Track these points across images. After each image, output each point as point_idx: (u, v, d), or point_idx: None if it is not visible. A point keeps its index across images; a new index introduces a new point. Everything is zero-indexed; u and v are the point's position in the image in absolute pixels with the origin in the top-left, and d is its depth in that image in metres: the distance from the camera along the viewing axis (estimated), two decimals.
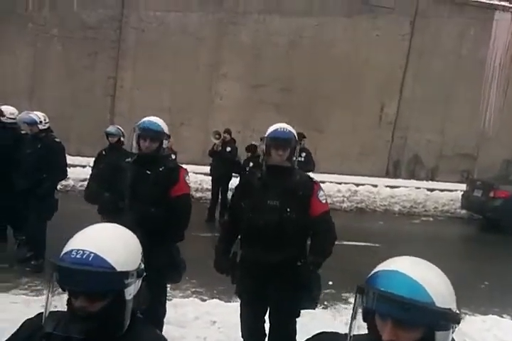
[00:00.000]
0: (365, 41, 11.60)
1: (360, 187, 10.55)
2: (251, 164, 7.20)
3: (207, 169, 8.64)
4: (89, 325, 1.13)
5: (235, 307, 3.76)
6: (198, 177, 9.84)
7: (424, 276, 1.04)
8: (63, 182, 9.03)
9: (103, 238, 1.18)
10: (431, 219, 9.86)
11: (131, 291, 1.17)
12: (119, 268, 1.13)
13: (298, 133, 8.89)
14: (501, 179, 9.88)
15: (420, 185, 11.33)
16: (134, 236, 1.27)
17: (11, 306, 3.54)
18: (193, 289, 4.51)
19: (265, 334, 2.78)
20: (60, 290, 1.17)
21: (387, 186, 10.77)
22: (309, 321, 3.31)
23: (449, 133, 12.19)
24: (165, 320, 2.99)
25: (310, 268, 2.58)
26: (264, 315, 2.74)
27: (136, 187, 2.76)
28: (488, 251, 7.38)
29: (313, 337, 1.26)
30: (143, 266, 1.23)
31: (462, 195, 10.00)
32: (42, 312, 1.22)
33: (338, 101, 11.60)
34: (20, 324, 1.29)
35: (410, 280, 1.03)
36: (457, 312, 1.03)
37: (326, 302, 4.47)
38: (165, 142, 2.89)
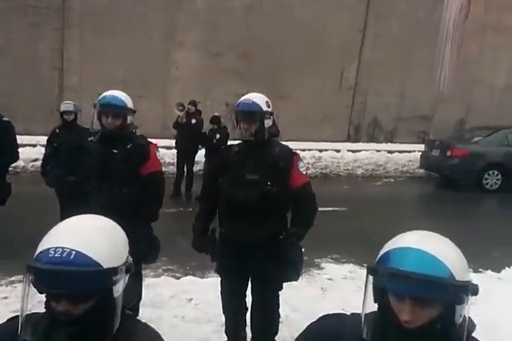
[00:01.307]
0: (323, 5, 11.36)
1: (324, 152, 10.65)
2: (218, 136, 7.06)
3: (168, 142, 8.42)
4: (75, 330, 1.01)
5: (210, 282, 3.76)
6: (160, 151, 9.60)
7: (439, 249, 0.99)
8: (13, 164, 8.56)
9: (83, 232, 1.04)
10: (392, 180, 10.16)
11: (119, 288, 1.05)
12: (105, 265, 1.01)
13: None
14: (457, 138, 10.25)
15: (380, 147, 11.58)
16: (117, 226, 1.13)
17: None
18: (165, 267, 4.43)
19: (247, 309, 2.77)
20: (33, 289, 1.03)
21: (349, 151, 10.93)
22: (285, 289, 3.34)
23: (406, 95, 12.37)
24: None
25: (293, 240, 2.55)
26: (246, 291, 2.72)
27: (103, 168, 2.63)
28: (447, 208, 7.71)
29: (318, 320, 1.19)
30: (131, 258, 1.11)
31: (421, 156, 10.31)
32: (15, 317, 1.08)
33: (298, 66, 11.44)
34: None
35: (426, 255, 0.98)
36: (475, 283, 0.99)
37: None
38: (129, 118, 2.72)
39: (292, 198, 2.53)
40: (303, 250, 2.73)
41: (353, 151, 10.95)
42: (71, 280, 0.97)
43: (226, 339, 2.86)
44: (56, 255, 0.97)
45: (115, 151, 2.65)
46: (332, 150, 10.81)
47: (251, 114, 2.51)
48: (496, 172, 8.98)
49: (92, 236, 1.04)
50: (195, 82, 10.96)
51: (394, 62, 11.83)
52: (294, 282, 2.72)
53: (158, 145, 2.92)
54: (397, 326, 0.99)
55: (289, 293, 3.57)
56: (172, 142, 8.29)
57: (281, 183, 2.47)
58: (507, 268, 4.58)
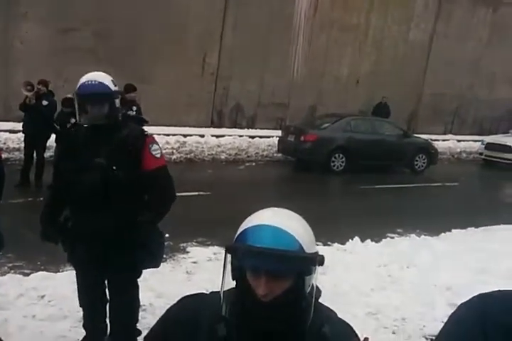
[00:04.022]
0: None
1: (188, 138, 10.65)
2: (72, 120, 6.49)
3: (12, 125, 7.52)
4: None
5: (64, 277, 3.53)
6: (2, 136, 8.55)
7: (289, 225, 1.04)
8: None
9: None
10: (253, 164, 10.67)
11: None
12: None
13: (128, 85, 8.29)
14: (309, 124, 11.17)
15: (242, 133, 12.01)
16: None
17: None
18: (11, 264, 4.04)
19: (107, 300, 2.65)
20: None
21: (213, 136, 11.11)
22: (149, 276, 3.30)
23: (266, 82, 12.97)
24: None
25: (145, 225, 2.45)
26: (103, 281, 2.60)
27: None
28: (301, 188, 8.43)
29: (177, 302, 1.18)
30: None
31: (278, 141, 10.98)
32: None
33: (161, 50, 11.08)
34: None
35: (278, 230, 1.02)
36: (321, 254, 1.08)
37: (164, 255, 4.52)
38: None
39: (145, 182, 2.44)
40: (166, 235, 2.70)
41: (217, 136, 11.17)
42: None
43: (85, 333, 2.72)
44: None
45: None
46: (196, 135, 10.87)
47: (100, 96, 2.35)
48: (341, 156, 9.99)
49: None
50: (43, 60, 9.85)
51: (254, 49, 12.22)
52: (157, 268, 2.70)
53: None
54: (254, 300, 1.03)
55: (153, 280, 3.55)
56: (17, 125, 7.42)
57: (131, 167, 2.37)
58: (350, 240, 5.13)
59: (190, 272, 4.18)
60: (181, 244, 4.90)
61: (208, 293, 1.18)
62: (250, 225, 1.05)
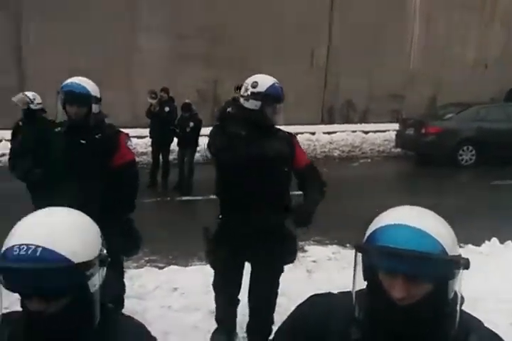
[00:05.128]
0: None
1: (299, 136, 10.52)
2: (191, 124, 6.89)
3: (139, 131, 8.20)
4: (53, 328, 0.96)
5: (194, 270, 3.74)
6: (132, 141, 9.36)
7: (429, 224, 0.97)
8: None
9: (49, 226, 0.96)
10: (369, 160, 10.23)
11: (95, 282, 0.98)
12: (76, 260, 0.94)
13: (238, 86, 8.45)
14: (431, 115, 10.36)
15: (355, 128, 11.62)
16: (87, 218, 1.04)
17: None
18: (147, 258, 4.33)
19: (239, 301, 2.72)
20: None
21: (324, 133, 10.92)
22: None
23: (378, 75, 12.40)
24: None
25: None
26: (241, 282, 2.65)
27: (71, 160, 2.49)
28: (426, 184, 7.82)
29: (307, 301, 1.16)
30: (105, 250, 1.02)
31: (396, 135, 10.39)
32: (335, 293, 1.12)
33: (268, 49, 11.26)
34: None
35: (416, 230, 0.95)
36: (465, 257, 0.97)
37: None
38: (95, 106, 2.57)
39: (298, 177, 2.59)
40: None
41: (328, 133, 10.95)
42: (40, 278, 0.90)
43: (216, 326, 2.79)
44: (21, 252, 0.91)
45: (83, 142, 2.53)
46: (307, 132, 10.78)
47: None
48: (470, 148, 9.13)
49: (60, 229, 0.96)
50: (162, 68, 10.65)
51: (363, 42, 11.81)
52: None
53: (129, 134, 2.78)
54: (389, 303, 0.97)
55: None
56: (144, 131, 8.08)
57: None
58: (486, 241, 4.65)
59: (311, 271, 4.16)
60: (300, 243, 4.85)
61: (336, 293, 1.15)
62: (384, 224, 0.99)
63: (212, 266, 2.67)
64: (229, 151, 2.39)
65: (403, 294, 0.95)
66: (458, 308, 0.99)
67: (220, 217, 2.56)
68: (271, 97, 2.45)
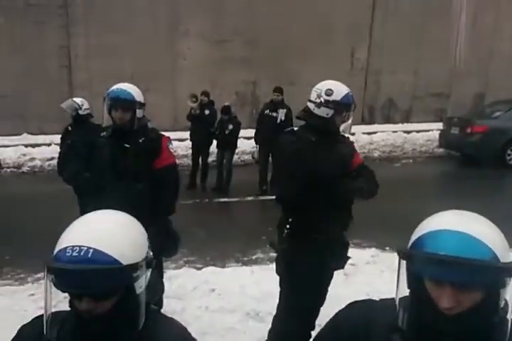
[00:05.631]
0: None
1: None
2: (230, 126, 6.96)
3: (180, 135, 8.37)
4: (99, 328, 1.00)
5: (231, 272, 3.77)
6: (173, 144, 9.59)
7: (480, 230, 0.91)
8: (30, 163, 8.64)
9: (100, 228, 1.00)
10: (411, 161, 9.94)
11: (141, 284, 1.02)
12: (125, 262, 0.97)
13: (276, 88, 8.42)
14: (477, 114, 9.94)
15: (396, 128, 11.33)
16: (135, 220, 1.08)
17: None
18: (185, 259, 4.41)
19: None
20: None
21: (364, 133, 10.72)
22: None
23: (421, 73, 12.03)
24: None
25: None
26: None
27: (116, 163, 2.60)
28: (472, 186, 7.48)
29: (346, 307, 1.14)
30: (151, 253, 1.06)
31: (439, 134, 10.05)
32: (39, 316, 1.06)
33: (307, 50, 11.19)
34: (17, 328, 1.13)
35: (466, 236, 0.90)
36: None
37: None
38: (139, 111, 2.66)
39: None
40: None
41: (368, 133, 10.73)
42: (90, 279, 0.94)
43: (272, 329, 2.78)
44: (74, 254, 0.95)
45: (127, 146, 2.62)
46: None
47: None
48: None
49: (110, 231, 1.00)
50: (202, 72, 10.83)
51: (406, 39, 11.49)
52: None
53: (170, 137, 2.86)
54: (436, 312, 0.93)
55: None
56: (184, 134, 8.24)
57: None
58: None
59: (348, 274, 4.08)
60: None
61: (377, 300, 1.12)
62: (431, 230, 0.94)
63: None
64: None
65: (452, 304, 0.90)
66: (509, 317, 0.94)
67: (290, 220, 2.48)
68: (344, 106, 2.43)
